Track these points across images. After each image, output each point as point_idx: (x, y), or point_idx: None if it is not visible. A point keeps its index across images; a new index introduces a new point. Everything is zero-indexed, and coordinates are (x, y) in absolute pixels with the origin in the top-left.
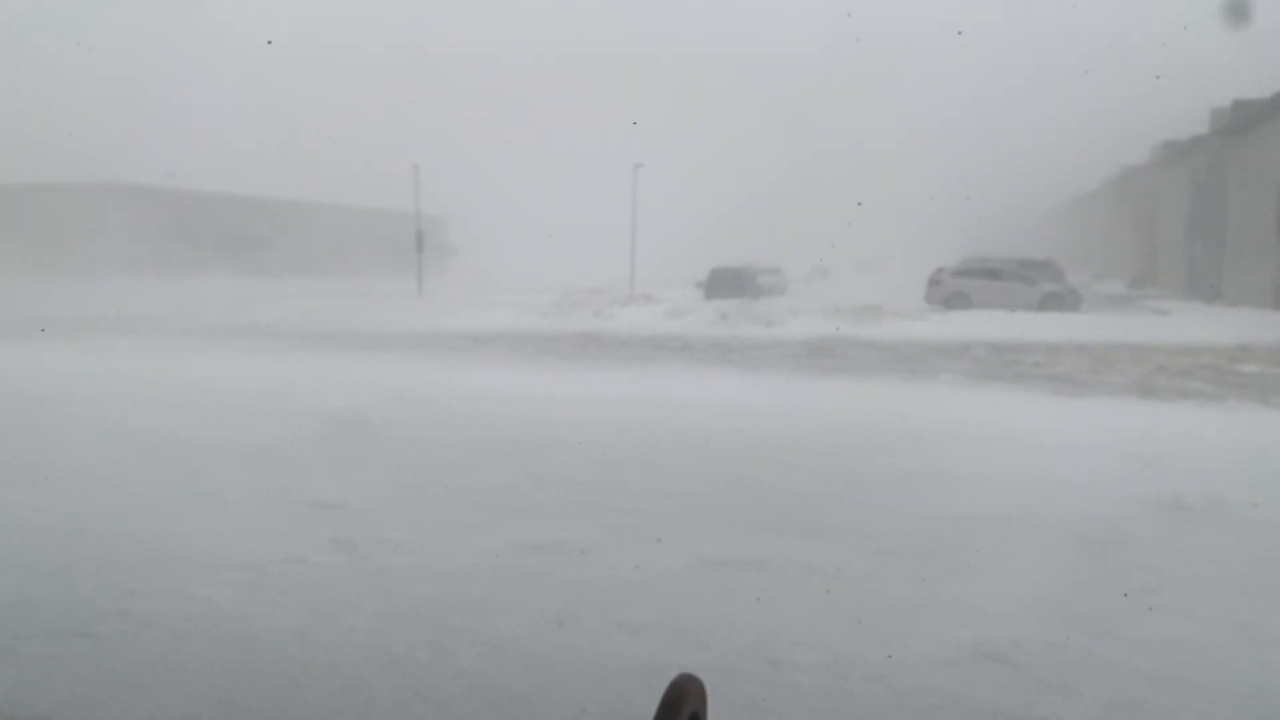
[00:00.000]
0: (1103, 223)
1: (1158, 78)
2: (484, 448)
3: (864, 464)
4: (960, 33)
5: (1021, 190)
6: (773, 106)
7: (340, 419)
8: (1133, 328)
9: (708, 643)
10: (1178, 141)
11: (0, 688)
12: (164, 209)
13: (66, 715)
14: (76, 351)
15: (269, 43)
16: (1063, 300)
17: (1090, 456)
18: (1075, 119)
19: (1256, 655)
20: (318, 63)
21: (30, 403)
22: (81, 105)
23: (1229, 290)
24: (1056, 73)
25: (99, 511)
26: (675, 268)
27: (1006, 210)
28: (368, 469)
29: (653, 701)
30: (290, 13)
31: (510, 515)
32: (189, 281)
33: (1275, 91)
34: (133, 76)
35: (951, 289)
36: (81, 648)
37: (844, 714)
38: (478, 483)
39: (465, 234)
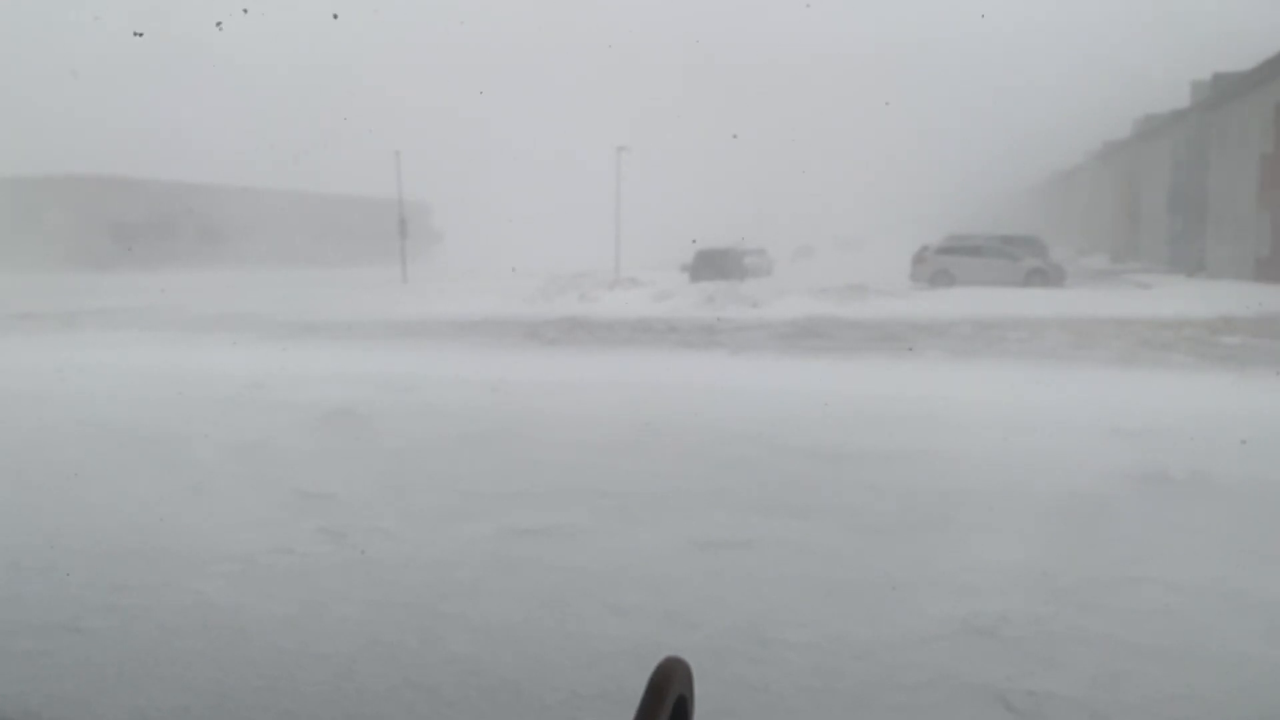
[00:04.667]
0: (1085, 198)
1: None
2: (471, 434)
3: (851, 442)
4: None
5: (1003, 166)
6: (753, 87)
7: (326, 409)
8: (1116, 302)
9: (697, 624)
10: (1158, 115)
11: None
12: (141, 200)
13: (57, 711)
14: (57, 346)
15: (245, 11)
16: (1046, 276)
17: (1074, 431)
18: (1056, 94)
19: (1240, 624)
20: (297, 50)
21: (12, 398)
22: (53, 97)
23: (1211, 263)
24: (1036, 48)
25: (86, 506)
26: (660, 250)
27: (989, 186)
28: (355, 458)
29: (644, 683)
30: (274, 7)
31: (498, 501)
32: (169, 274)
33: (1255, 64)
34: (106, 66)
35: (936, 267)
36: (71, 643)
37: (834, 691)
38: (465, 469)
39: (450, 220)
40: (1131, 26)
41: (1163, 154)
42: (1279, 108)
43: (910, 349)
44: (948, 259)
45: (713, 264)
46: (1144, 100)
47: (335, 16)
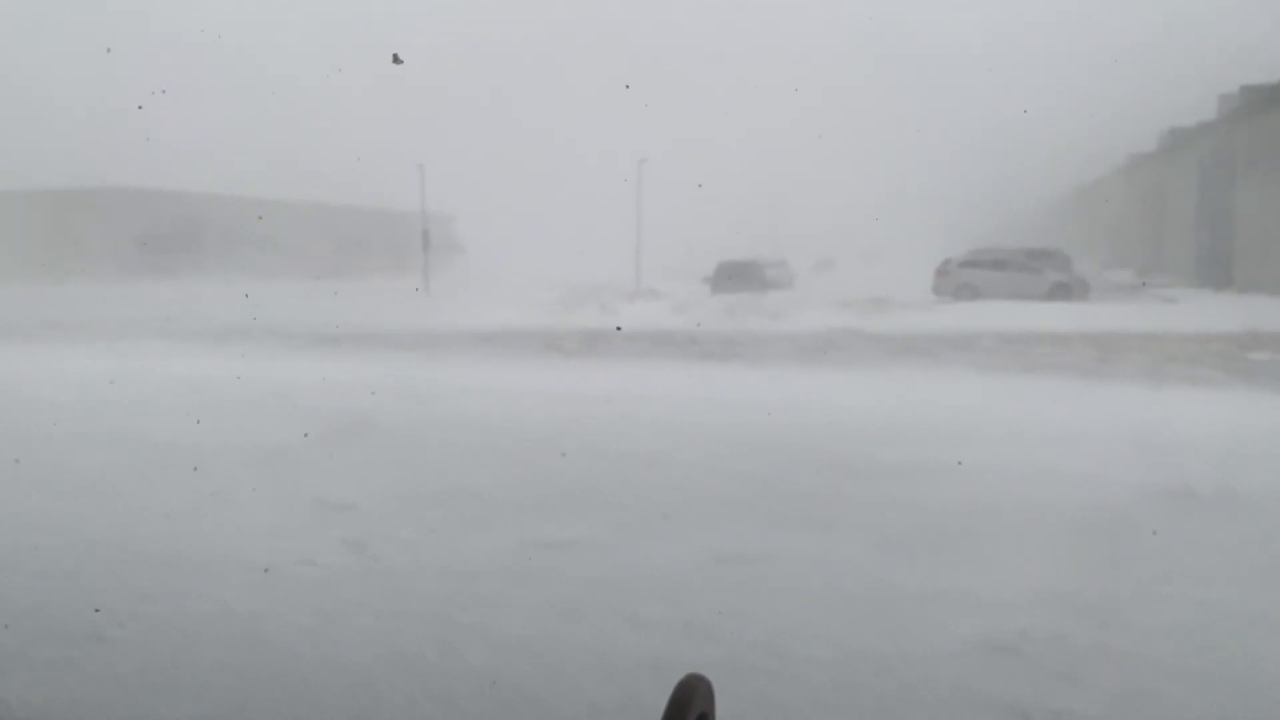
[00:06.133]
0: (1110, 211)
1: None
2: (491, 445)
3: (872, 456)
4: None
5: (1027, 179)
6: (774, 97)
7: (348, 418)
8: (1142, 316)
9: (716, 637)
10: (1185, 128)
11: (13, 692)
12: (168, 212)
13: (80, 718)
14: (83, 355)
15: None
16: (1071, 290)
17: (1099, 446)
18: (1079, 107)
19: (1266, 644)
20: (319, 62)
21: (38, 407)
22: (79, 108)
23: (1239, 277)
24: (1061, 60)
25: (109, 514)
26: (680, 261)
27: (1012, 199)
28: (376, 468)
29: (663, 697)
30: (290, 14)
31: (518, 512)
32: (194, 284)
33: None
34: (131, 77)
35: (959, 280)
36: (93, 651)
37: (853, 708)
38: (485, 480)
39: (472, 231)
40: (1155, 39)
41: (1189, 167)
42: None
43: (933, 363)
44: (971, 272)
45: (733, 276)
46: (1169, 113)
47: (397, 59)
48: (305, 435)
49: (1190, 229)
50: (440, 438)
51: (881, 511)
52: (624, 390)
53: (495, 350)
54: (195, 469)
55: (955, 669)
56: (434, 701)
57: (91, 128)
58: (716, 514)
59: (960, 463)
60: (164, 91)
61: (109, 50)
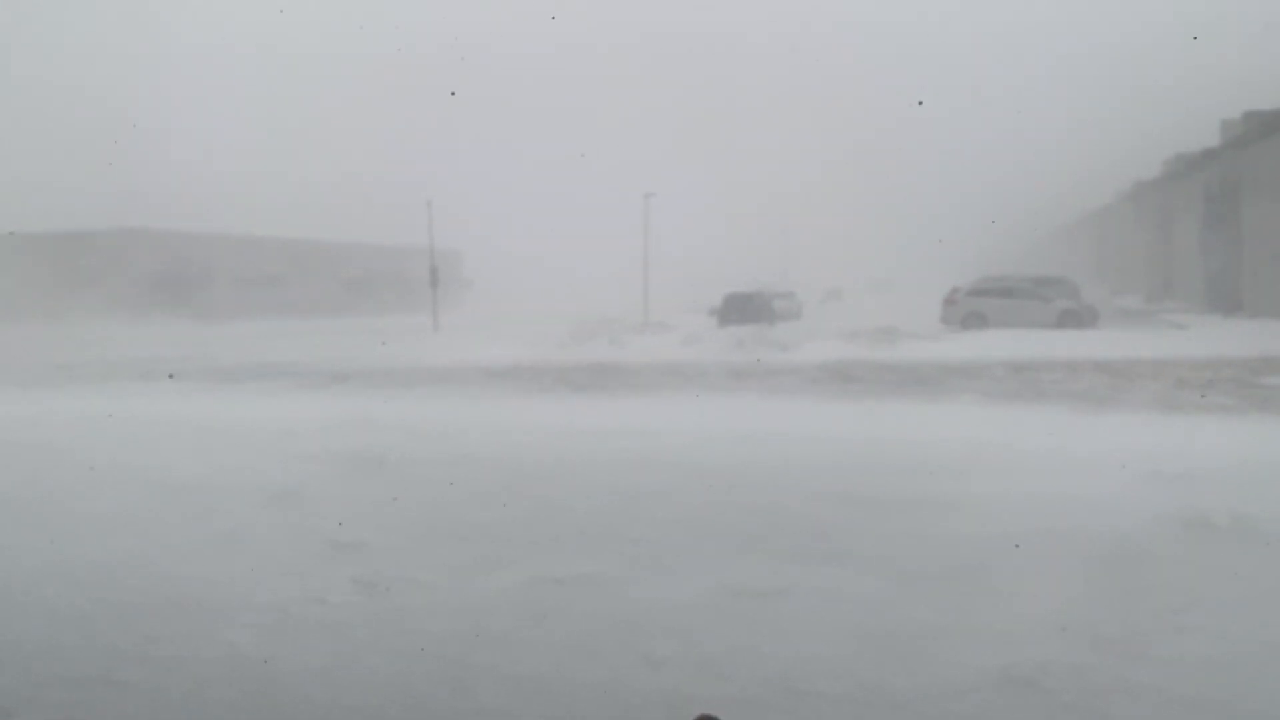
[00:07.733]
0: (1117, 237)
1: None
2: (502, 482)
3: (885, 488)
4: (967, 47)
5: (1034, 207)
6: (783, 130)
7: (357, 457)
8: (1151, 343)
9: (730, 674)
10: (1189, 154)
11: None
12: (184, 252)
13: None
14: (95, 395)
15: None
16: (1079, 317)
17: (1113, 475)
18: (1086, 134)
19: None
20: (330, 104)
21: (47, 450)
22: (97, 151)
23: (1248, 302)
24: (1066, 88)
25: (120, 555)
26: (688, 293)
27: (1019, 227)
28: (386, 507)
29: None
30: (303, 57)
31: (529, 549)
32: (208, 323)
33: None
34: (148, 123)
35: (967, 309)
36: (104, 694)
37: None
38: (496, 517)
39: (480, 266)
40: (1159, 67)
41: (1195, 193)
42: None
43: (943, 393)
44: (979, 301)
45: (741, 307)
46: (1173, 139)
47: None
48: (319, 474)
49: (1198, 254)
50: (451, 475)
51: (895, 544)
52: (634, 425)
53: (506, 386)
54: (205, 510)
55: (973, 704)
56: None
57: (104, 170)
58: (728, 548)
59: (973, 494)
60: (181, 135)
61: (120, 93)
